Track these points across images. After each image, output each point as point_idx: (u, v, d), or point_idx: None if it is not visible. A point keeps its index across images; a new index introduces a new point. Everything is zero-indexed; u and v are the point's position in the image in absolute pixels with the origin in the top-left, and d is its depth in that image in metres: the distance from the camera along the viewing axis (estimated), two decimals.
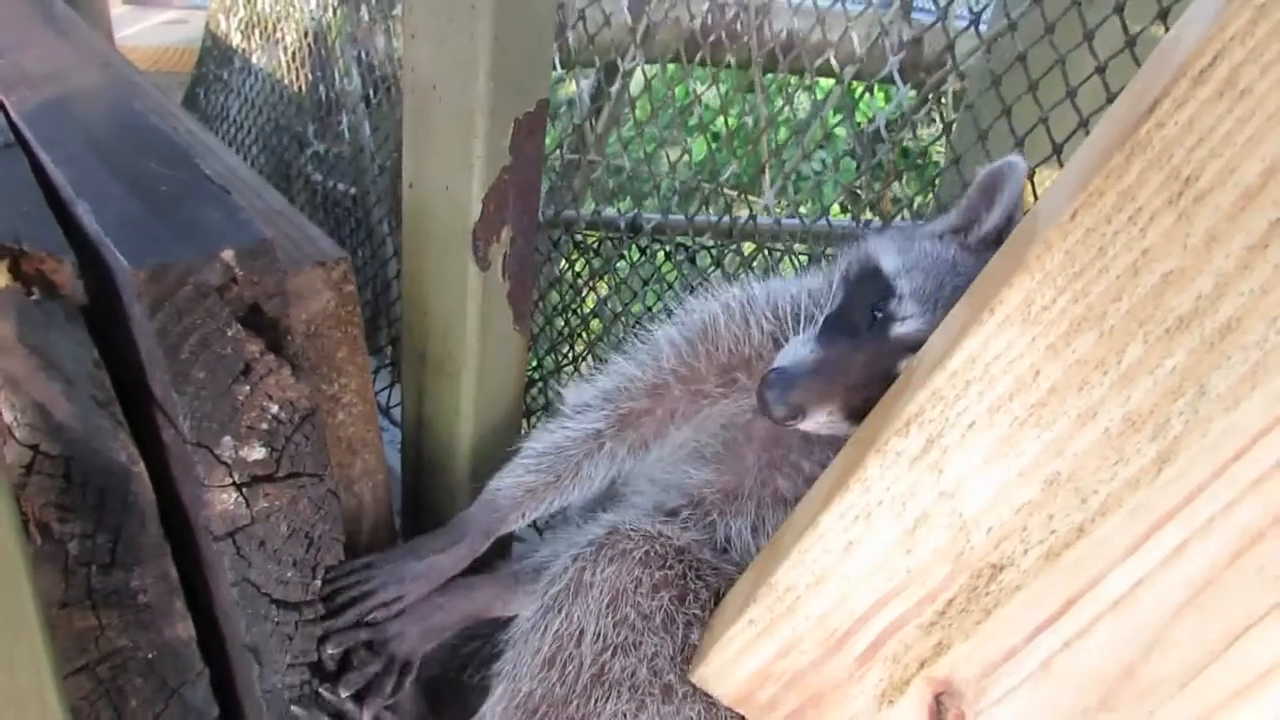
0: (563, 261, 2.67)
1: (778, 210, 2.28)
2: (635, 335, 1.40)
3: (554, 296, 2.62)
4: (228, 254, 0.94)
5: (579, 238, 2.56)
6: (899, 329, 1.10)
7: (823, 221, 1.88)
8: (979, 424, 0.93)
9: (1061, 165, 1.54)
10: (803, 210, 2.19)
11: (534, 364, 2.41)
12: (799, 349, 1.12)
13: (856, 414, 1.11)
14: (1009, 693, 1.01)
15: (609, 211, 2.38)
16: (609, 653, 1.18)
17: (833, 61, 1.98)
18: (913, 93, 2.07)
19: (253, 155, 3.67)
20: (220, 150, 1.68)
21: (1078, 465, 0.90)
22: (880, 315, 1.10)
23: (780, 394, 1.07)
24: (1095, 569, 0.93)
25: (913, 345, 1.07)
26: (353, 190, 3.15)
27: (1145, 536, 0.89)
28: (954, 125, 2.10)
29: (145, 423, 1.08)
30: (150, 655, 1.08)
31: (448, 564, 1.34)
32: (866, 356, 1.09)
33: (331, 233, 3.19)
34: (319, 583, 1.11)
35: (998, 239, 1.12)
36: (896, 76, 1.94)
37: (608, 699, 1.18)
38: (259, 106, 3.83)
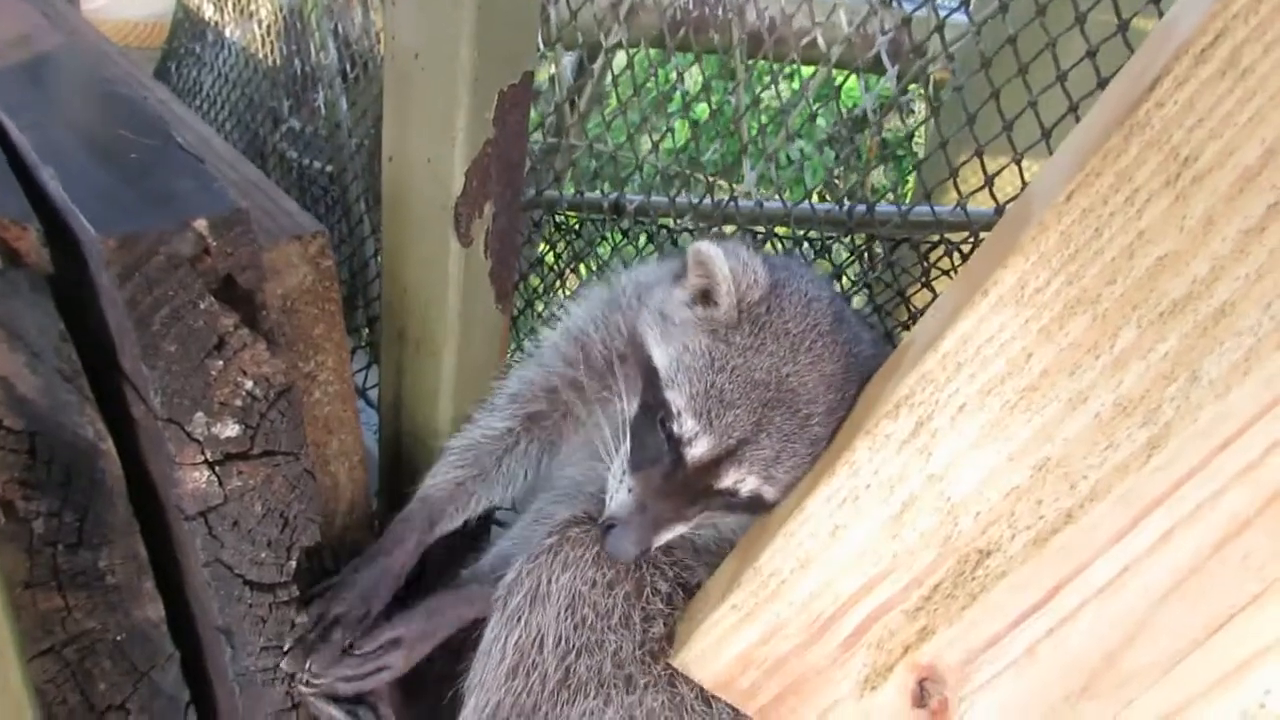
0: (543, 244, 2.64)
1: (760, 192, 2.26)
2: (534, 337, 1.44)
3: (534, 279, 2.59)
4: (200, 223, 0.91)
5: (560, 219, 2.53)
6: (690, 453, 1.13)
7: (805, 205, 1.87)
8: (969, 407, 0.92)
9: (1051, 151, 1.53)
10: (786, 195, 2.16)
11: (513, 348, 2.38)
12: (620, 491, 1.17)
13: (700, 511, 1.18)
14: (993, 679, 1.01)
15: (591, 193, 2.35)
16: (573, 654, 1.20)
17: (819, 41, 1.96)
18: (891, 82, 2.05)
19: (225, 132, 3.60)
20: (193, 121, 1.65)
21: (1068, 450, 0.90)
22: (669, 436, 1.14)
23: (622, 549, 1.13)
24: (1082, 555, 0.93)
25: (710, 464, 1.12)
26: (329, 168, 3.10)
27: (1133, 523, 0.90)
28: (940, 110, 2.09)
29: (114, 398, 1.06)
30: (119, 637, 1.06)
31: (397, 564, 1.35)
32: (679, 486, 1.14)
33: (310, 211, 3.14)
34: (294, 563, 1.09)
35: (739, 322, 1.14)
36: (885, 57, 1.92)
37: (574, 700, 1.20)
38: (232, 81, 3.75)
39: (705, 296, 1.17)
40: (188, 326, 0.92)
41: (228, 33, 3.73)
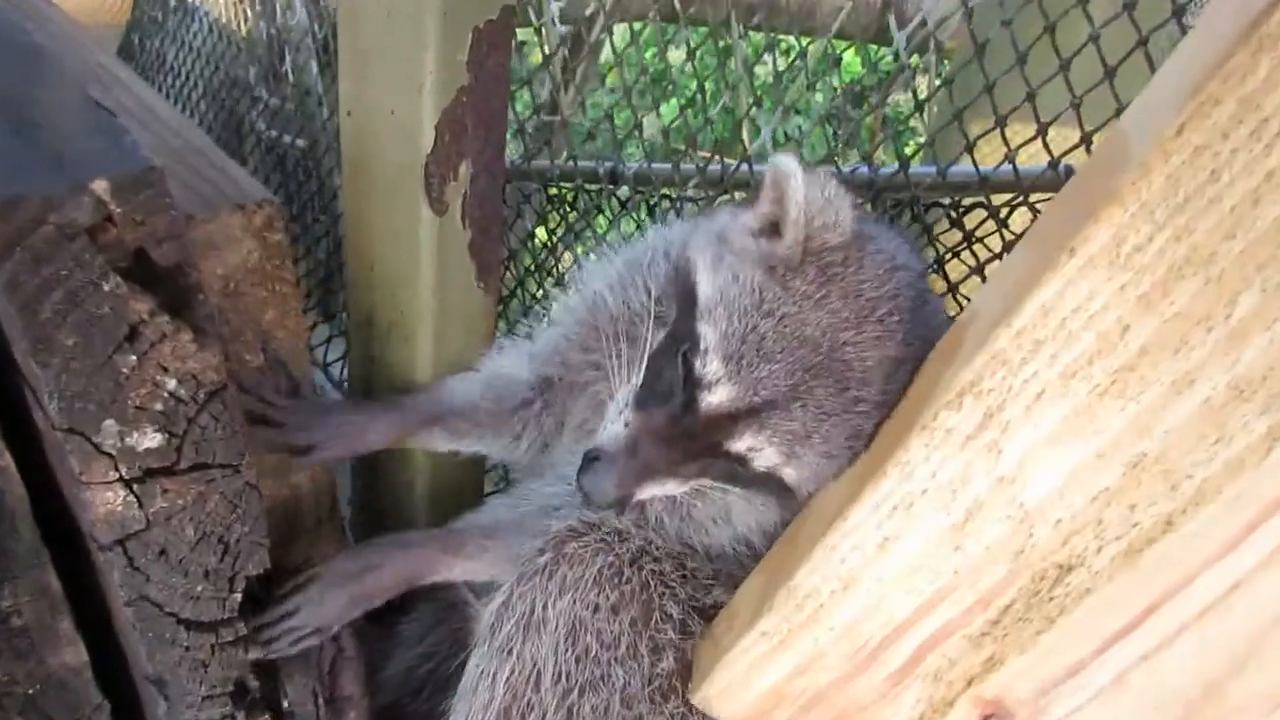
0: (535, 216, 2.50)
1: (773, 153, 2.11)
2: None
3: (526, 257, 2.45)
4: (100, 185, 0.76)
5: (553, 191, 2.39)
6: (707, 400, 1.01)
7: (828, 167, 1.71)
8: (1050, 394, 0.82)
9: (1082, 122, 1.39)
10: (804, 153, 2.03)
11: (503, 332, 2.24)
12: (616, 423, 1.06)
13: (699, 481, 1.06)
14: (1072, 713, 0.93)
15: (586, 162, 2.20)
16: (576, 692, 1.09)
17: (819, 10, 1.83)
18: (901, 45, 1.90)
19: (200, 111, 3.43)
20: (137, 85, 1.50)
21: (1169, 444, 0.81)
22: (689, 374, 1.02)
23: (600, 487, 1.01)
24: (1183, 570, 0.85)
25: (725, 418, 1.00)
26: (299, 140, 2.95)
27: (1246, 531, 0.82)
28: (954, 80, 1.94)
29: (14, 402, 0.91)
30: (31, 690, 0.92)
31: (374, 425, 1.25)
32: (681, 434, 1.02)
33: (282, 189, 2.99)
34: (239, 596, 0.94)
35: (802, 264, 1.01)
36: (893, 23, 1.78)
37: None
38: (200, 53, 3.59)
39: (774, 228, 1.03)
40: (88, 314, 0.78)
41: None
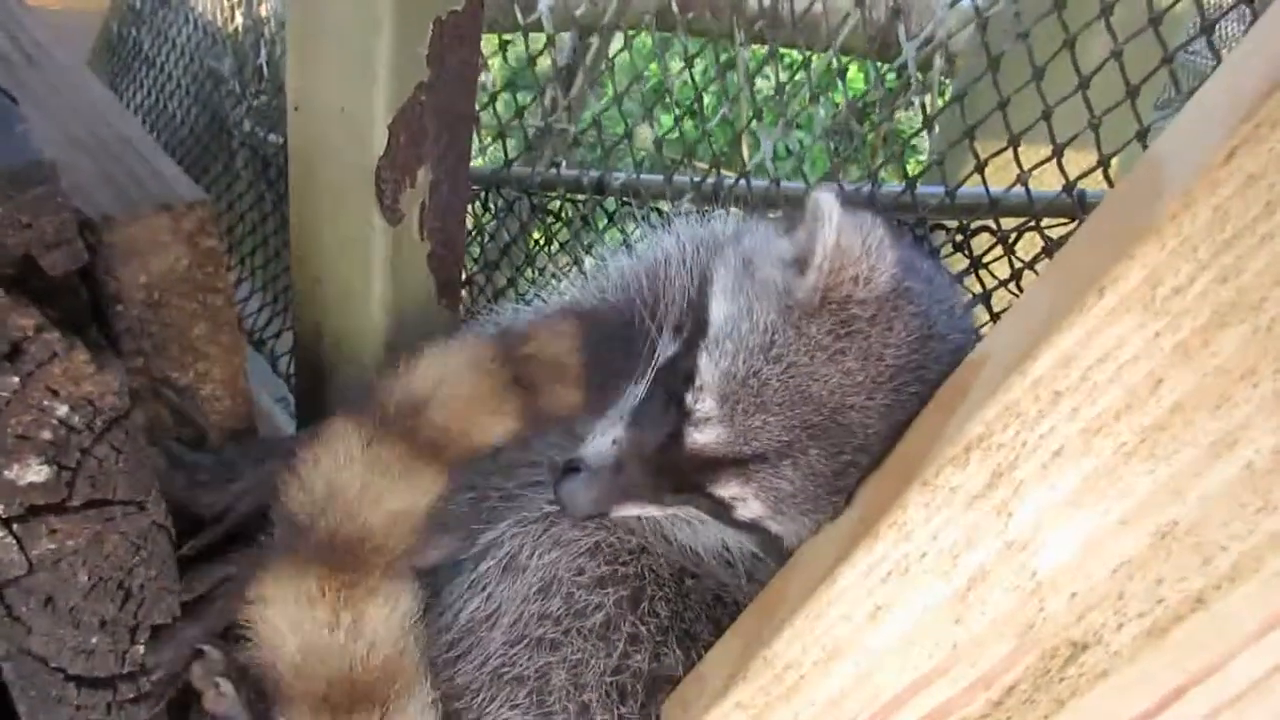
0: (515, 227, 2.41)
1: (775, 168, 2.04)
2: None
3: (506, 269, 2.36)
4: None
5: (536, 200, 2.30)
6: (694, 437, 0.96)
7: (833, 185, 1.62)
8: (1069, 452, 0.75)
9: (1101, 146, 1.32)
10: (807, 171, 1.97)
11: None
12: (605, 437, 1.02)
13: (684, 504, 1.02)
14: None
15: (569, 171, 2.11)
16: (521, 644, 1.06)
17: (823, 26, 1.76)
18: (911, 60, 1.83)
19: (179, 106, 3.31)
20: (73, 67, 1.40)
21: (1204, 512, 0.75)
22: (680, 405, 0.98)
23: (576, 500, 0.98)
24: (1214, 652, 0.79)
25: (710, 461, 0.96)
26: (271, 136, 2.85)
27: None
28: (965, 95, 1.87)
29: None
30: None
31: None
32: (667, 466, 0.98)
33: (272, 189, 2.88)
34: (141, 648, 0.84)
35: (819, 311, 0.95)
36: (902, 36, 1.71)
37: (502, 699, 1.05)
38: (177, 43, 3.49)
39: (803, 265, 0.97)
40: None
41: None
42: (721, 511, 0.99)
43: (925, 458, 0.80)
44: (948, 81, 3.10)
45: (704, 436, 0.95)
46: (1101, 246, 0.72)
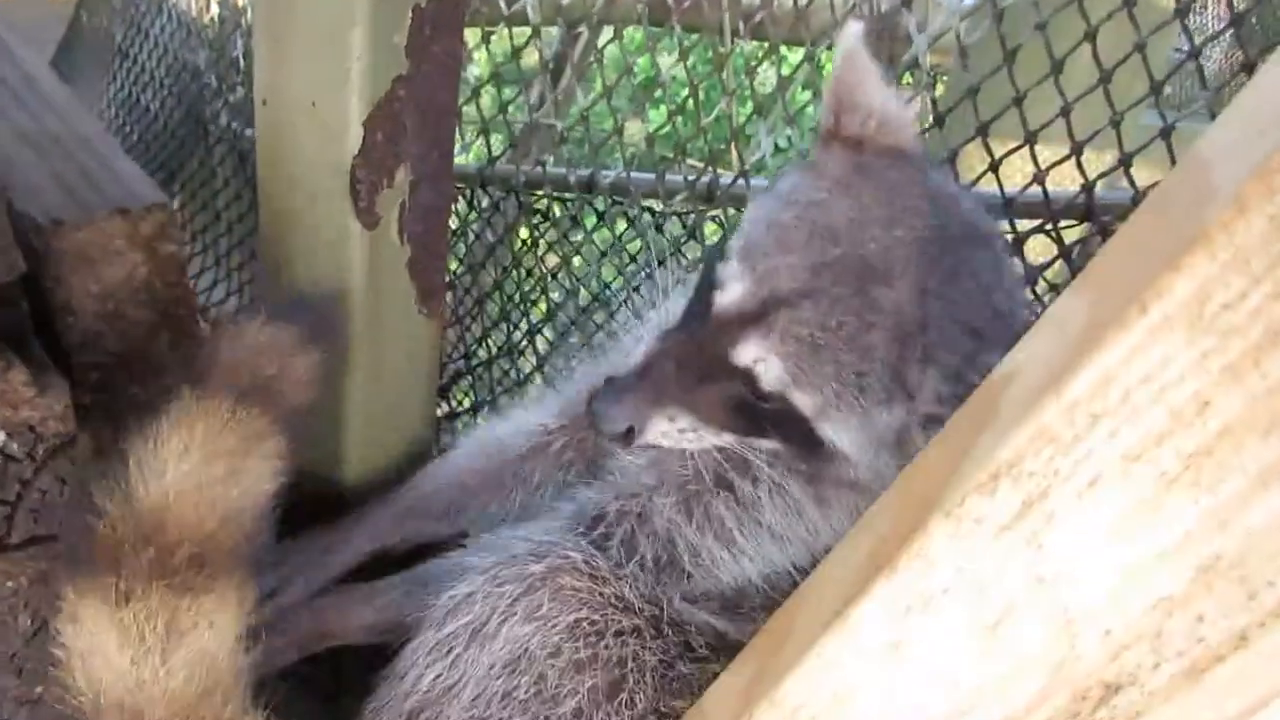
0: (502, 226, 2.36)
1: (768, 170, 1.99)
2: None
3: (491, 271, 2.30)
4: None
5: (523, 199, 2.25)
6: (719, 302, 0.96)
7: None
8: (1106, 479, 0.71)
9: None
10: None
11: (460, 355, 2.10)
12: (637, 351, 1.02)
13: (717, 420, 0.99)
14: None
15: (555, 168, 2.06)
16: None
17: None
18: (922, 55, 1.79)
19: (154, 101, 3.22)
20: (25, 58, 1.34)
21: (1250, 545, 0.70)
22: (709, 283, 0.98)
23: (607, 413, 0.97)
24: (1256, 693, 0.75)
25: (734, 322, 0.95)
26: (250, 132, 2.78)
27: None
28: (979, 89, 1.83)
29: None
30: None
31: (345, 545, 1.19)
32: (693, 351, 0.97)
33: (246, 190, 2.80)
34: None
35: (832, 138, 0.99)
36: (913, 29, 1.66)
37: None
38: (150, 34, 3.41)
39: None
40: None
41: None
42: (748, 391, 0.95)
43: (948, 484, 0.75)
44: (945, 77, 3.06)
45: (727, 296, 0.94)
46: (1143, 256, 0.68)
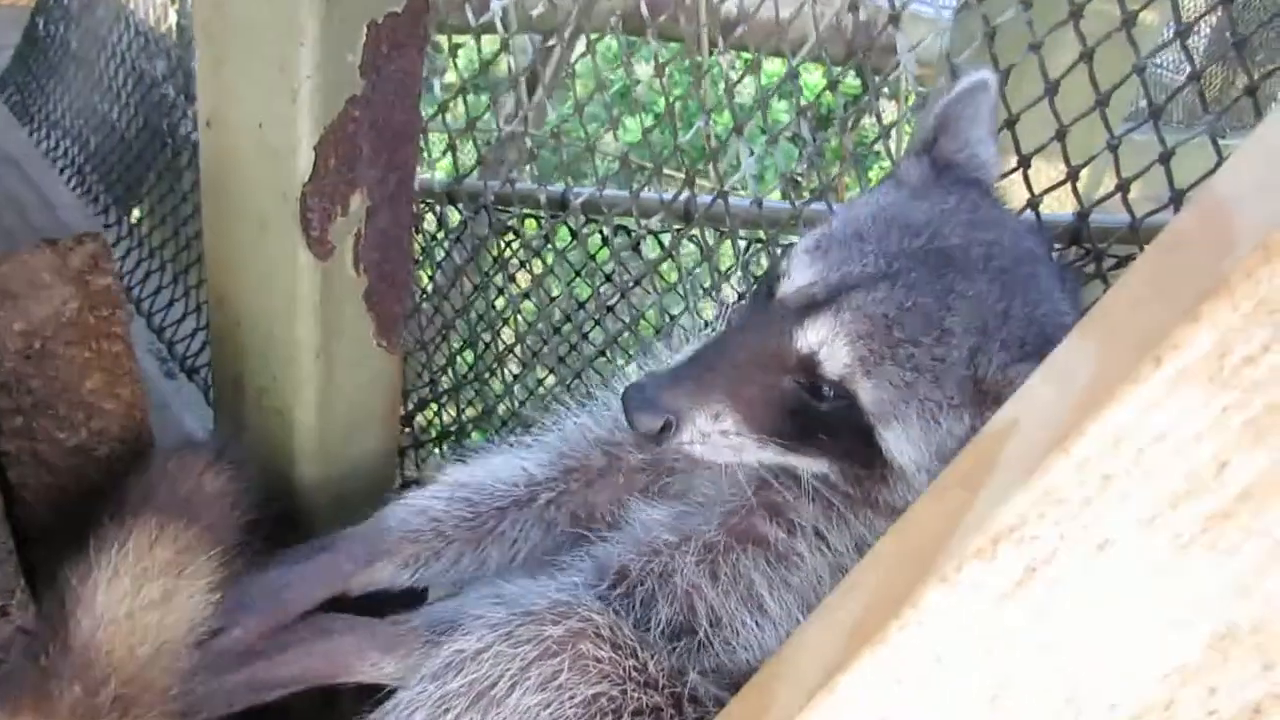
0: (471, 246, 2.30)
1: (759, 186, 1.95)
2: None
3: (460, 291, 2.24)
4: None
5: (494, 219, 2.20)
6: (783, 287, 0.95)
7: (821, 206, 1.51)
8: (1117, 544, 0.67)
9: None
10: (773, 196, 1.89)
11: (425, 381, 2.03)
12: (685, 350, 1.02)
13: (764, 425, 0.94)
14: None
15: (525, 184, 2.00)
16: None
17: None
18: (909, 68, 1.77)
19: (118, 114, 3.10)
20: None
21: (1269, 614, 0.68)
22: (773, 278, 0.97)
23: (641, 398, 0.92)
24: None
25: (798, 309, 0.92)
26: None
27: None
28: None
29: None
30: None
31: (302, 582, 1.09)
32: (754, 334, 0.95)
33: None
34: None
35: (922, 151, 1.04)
36: (899, 39, 1.62)
37: None
38: (107, 43, 3.32)
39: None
40: None
41: None
42: (801, 396, 0.91)
43: (944, 548, 0.71)
44: (923, 90, 3.06)
45: (794, 283, 0.93)
46: (1158, 303, 0.64)
